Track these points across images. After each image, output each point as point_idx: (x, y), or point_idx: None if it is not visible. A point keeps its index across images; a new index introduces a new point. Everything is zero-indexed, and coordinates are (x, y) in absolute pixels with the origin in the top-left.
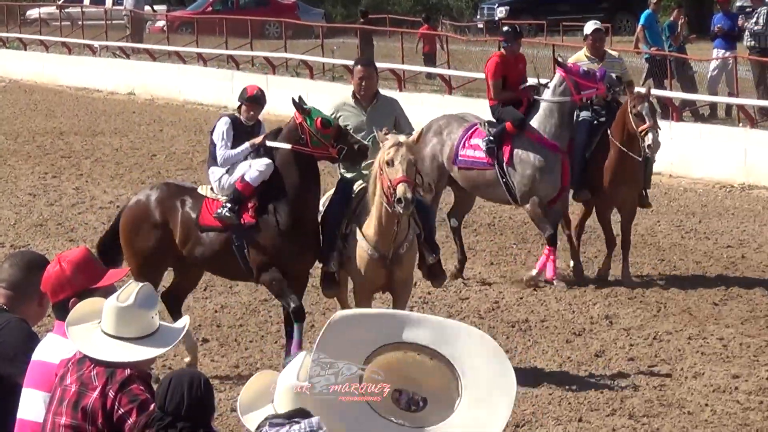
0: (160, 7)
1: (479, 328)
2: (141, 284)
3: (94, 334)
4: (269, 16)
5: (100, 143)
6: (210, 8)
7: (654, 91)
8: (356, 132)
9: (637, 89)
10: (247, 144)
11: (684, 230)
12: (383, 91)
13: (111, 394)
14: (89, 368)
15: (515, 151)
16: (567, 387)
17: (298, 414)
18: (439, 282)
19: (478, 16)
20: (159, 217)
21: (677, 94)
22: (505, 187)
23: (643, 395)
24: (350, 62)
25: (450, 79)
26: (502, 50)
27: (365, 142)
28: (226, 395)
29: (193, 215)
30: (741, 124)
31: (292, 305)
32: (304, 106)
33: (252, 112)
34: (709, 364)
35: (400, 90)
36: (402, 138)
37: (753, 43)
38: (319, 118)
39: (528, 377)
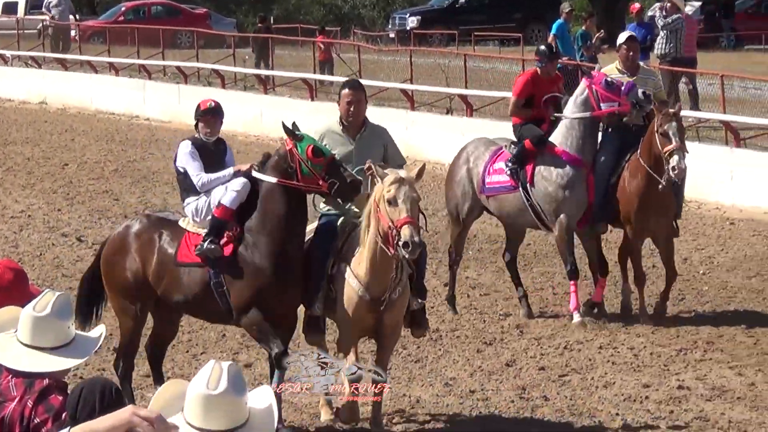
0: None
1: None
2: (57, 293)
3: (10, 343)
4: (181, 25)
5: (12, 152)
6: (122, 18)
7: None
8: (342, 162)
9: (666, 108)
10: (231, 169)
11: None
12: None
13: (29, 404)
14: (7, 379)
15: (537, 168)
16: (478, 396)
17: None
18: (421, 332)
19: (390, 26)
20: (136, 251)
21: None
22: (532, 211)
23: (553, 405)
24: (261, 71)
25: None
26: (537, 69)
27: (359, 177)
28: (141, 402)
29: (171, 250)
30: None
31: (275, 350)
32: (297, 132)
33: (209, 129)
34: (619, 373)
35: (312, 99)
36: (403, 174)
37: (657, 53)
38: (311, 146)
39: (439, 386)
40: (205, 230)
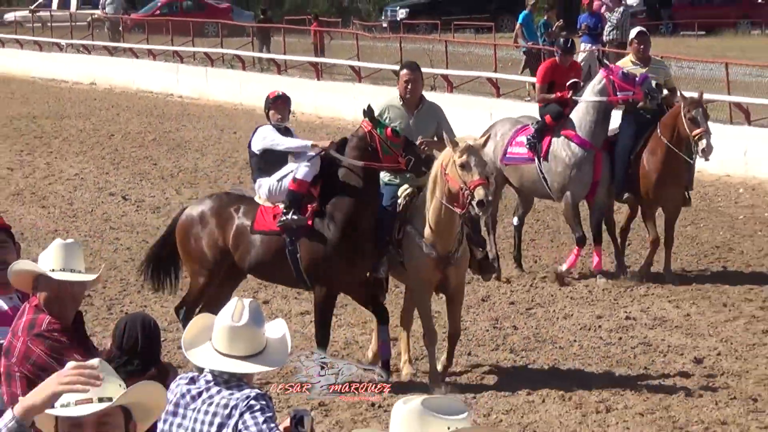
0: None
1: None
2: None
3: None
4: (207, 18)
5: (67, 125)
6: (158, 12)
7: (529, 79)
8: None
9: (690, 95)
10: (309, 142)
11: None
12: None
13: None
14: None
15: (551, 146)
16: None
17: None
18: (489, 275)
19: (383, 17)
20: (215, 224)
21: None
22: (545, 182)
23: (521, 333)
24: (277, 56)
25: (360, 70)
26: (556, 57)
27: (430, 152)
28: (173, 335)
29: (248, 222)
30: None
31: (318, 334)
32: (375, 116)
33: (280, 115)
34: (576, 306)
35: (318, 79)
36: (472, 141)
37: (607, 38)
38: (389, 128)
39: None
40: (281, 204)
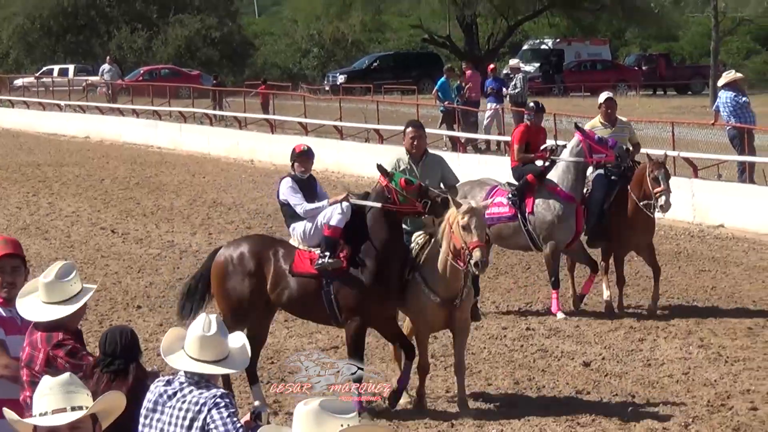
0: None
1: None
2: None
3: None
4: (181, 82)
5: (65, 171)
6: (141, 78)
7: (445, 132)
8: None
9: (655, 156)
10: (326, 201)
11: None
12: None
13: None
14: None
15: (537, 201)
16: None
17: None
18: (476, 319)
19: (325, 81)
20: (253, 265)
21: (463, 134)
22: (527, 235)
23: (441, 341)
24: (239, 114)
25: (306, 125)
26: (527, 122)
27: (445, 195)
28: (153, 345)
29: (286, 264)
30: (507, 155)
31: (354, 364)
32: (388, 171)
33: (303, 168)
34: (486, 319)
35: (272, 132)
36: (474, 204)
37: (509, 99)
38: (402, 179)
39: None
40: (317, 248)
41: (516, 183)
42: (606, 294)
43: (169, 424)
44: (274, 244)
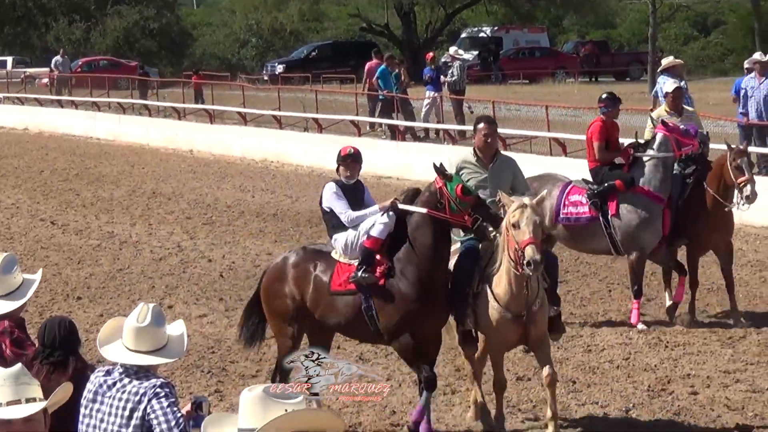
0: (44, 69)
1: None
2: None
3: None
4: (120, 74)
5: (4, 164)
6: (79, 69)
7: (385, 120)
8: (477, 190)
9: (735, 145)
10: (375, 207)
11: None
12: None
13: None
14: None
15: (621, 204)
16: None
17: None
18: (558, 336)
19: (264, 71)
20: (292, 280)
21: (402, 122)
22: (609, 238)
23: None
24: (177, 104)
25: (245, 115)
26: (602, 116)
27: (500, 214)
28: (94, 336)
29: (325, 279)
30: (446, 143)
31: (423, 374)
32: (446, 172)
33: (349, 172)
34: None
35: (212, 122)
36: (526, 200)
37: (447, 87)
38: (460, 186)
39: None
40: (356, 261)
41: (592, 182)
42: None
43: (109, 414)
44: (314, 257)
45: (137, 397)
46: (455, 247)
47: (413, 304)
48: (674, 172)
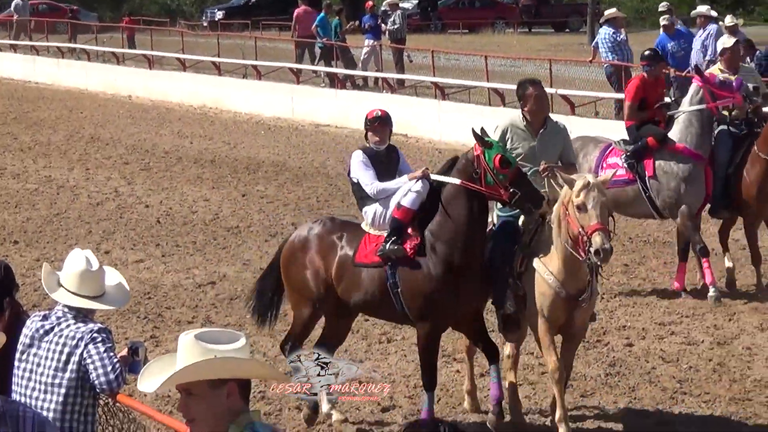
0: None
1: None
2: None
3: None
4: (59, 18)
5: None
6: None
7: (323, 68)
8: (525, 160)
9: None
10: (405, 177)
11: (346, 163)
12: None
13: None
14: None
15: (658, 163)
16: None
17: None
18: (590, 321)
19: (203, 18)
20: (317, 251)
21: (341, 71)
22: (649, 202)
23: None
24: (116, 49)
25: (185, 61)
26: (644, 73)
27: (542, 191)
28: (31, 280)
29: (350, 251)
30: (385, 91)
31: (425, 377)
32: (486, 139)
33: (378, 137)
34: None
35: (150, 68)
36: (591, 178)
37: (388, 36)
38: (499, 156)
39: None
40: (385, 232)
41: (631, 142)
42: (728, 263)
43: (46, 358)
44: (342, 227)
45: (74, 341)
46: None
47: (442, 283)
48: (724, 133)
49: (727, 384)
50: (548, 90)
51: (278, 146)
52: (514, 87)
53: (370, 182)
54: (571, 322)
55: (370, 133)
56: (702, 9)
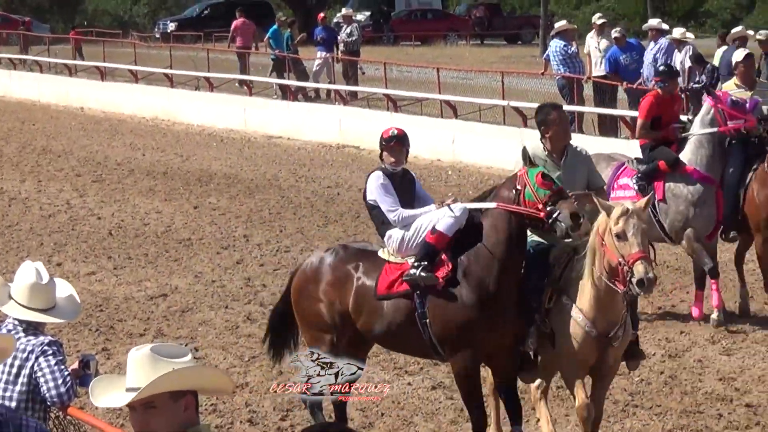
0: None
1: None
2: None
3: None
4: (11, 29)
5: None
6: None
7: (275, 80)
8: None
9: None
10: (432, 206)
11: (298, 175)
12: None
13: None
14: None
15: (668, 186)
16: (216, 283)
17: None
18: (636, 364)
19: (156, 29)
20: (329, 284)
21: (294, 83)
22: (659, 226)
23: (269, 290)
24: (68, 61)
25: (137, 73)
26: (658, 90)
27: (583, 214)
28: None
29: (370, 283)
30: (337, 103)
31: (473, 415)
32: (531, 159)
33: (394, 158)
34: None
35: (103, 80)
36: (630, 205)
37: (343, 48)
38: (540, 173)
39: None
40: (410, 259)
41: (644, 162)
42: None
43: None
44: (357, 256)
45: (24, 354)
46: None
47: (473, 313)
48: (737, 152)
49: (679, 396)
50: (500, 102)
51: (230, 158)
52: (467, 99)
53: (393, 209)
54: (603, 363)
55: (385, 153)
56: (653, 22)
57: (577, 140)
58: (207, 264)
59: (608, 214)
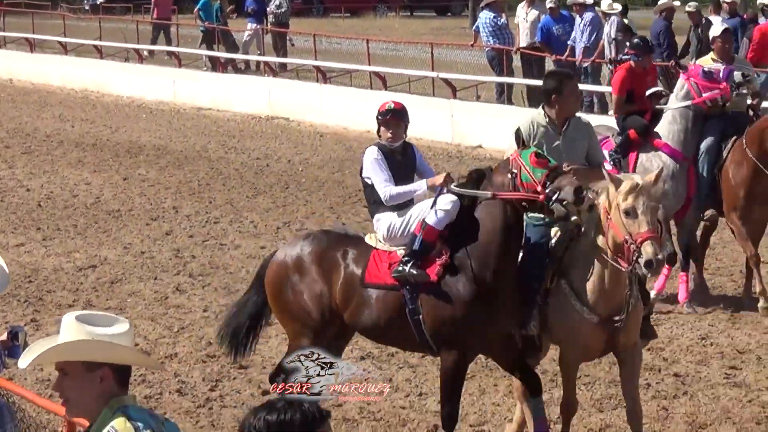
0: None
1: None
2: None
3: None
4: None
5: None
6: None
7: (205, 52)
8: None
9: None
10: (424, 182)
11: (228, 147)
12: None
13: None
14: None
15: (640, 159)
16: (145, 255)
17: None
18: (646, 341)
19: (85, 1)
20: (317, 273)
21: (223, 54)
22: None
23: (199, 261)
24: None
25: (66, 45)
26: (631, 62)
27: (589, 195)
28: None
29: (358, 271)
30: (267, 75)
31: (444, 410)
32: (524, 140)
33: (391, 133)
34: (244, 239)
35: (32, 52)
36: (639, 179)
37: (272, 19)
38: (534, 152)
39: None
40: (399, 248)
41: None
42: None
43: None
44: (343, 242)
45: None
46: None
47: (472, 307)
48: (714, 127)
49: (607, 366)
50: (429, 74)
51: (160, 130)
52: (396, 71)
53: (384, 184)
54: (615, 345)
55: (382, 128)
56: None
57: (506, 111)
58: (136, 235)
59: (617, 188)
